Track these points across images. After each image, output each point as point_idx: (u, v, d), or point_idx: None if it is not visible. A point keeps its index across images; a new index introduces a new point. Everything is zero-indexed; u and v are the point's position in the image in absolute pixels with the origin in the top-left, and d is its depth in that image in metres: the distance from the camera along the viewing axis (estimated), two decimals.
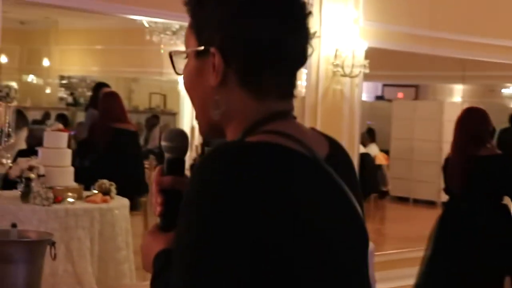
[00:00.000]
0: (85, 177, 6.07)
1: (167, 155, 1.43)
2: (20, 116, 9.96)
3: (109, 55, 15.09)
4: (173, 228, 1.32)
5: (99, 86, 8.26)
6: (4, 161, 7.36)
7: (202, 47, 1.33)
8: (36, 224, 5.14)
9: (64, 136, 5.83)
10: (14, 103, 8.84)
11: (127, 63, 14.64)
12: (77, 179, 5.86)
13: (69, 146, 6.09)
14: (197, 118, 1.40)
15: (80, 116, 15.34)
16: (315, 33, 1.37)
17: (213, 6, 1.32)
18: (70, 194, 5.47)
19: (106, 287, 5.81)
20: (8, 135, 8.45)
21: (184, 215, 1.22)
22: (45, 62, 16.48)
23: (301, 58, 1.36)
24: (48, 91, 16.90)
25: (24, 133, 8.27)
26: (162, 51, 10.72)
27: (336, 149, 1.40)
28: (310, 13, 1.35)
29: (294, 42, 1.33)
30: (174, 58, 1.41)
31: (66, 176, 5.70)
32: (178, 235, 1.23)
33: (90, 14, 12.83)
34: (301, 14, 1.34)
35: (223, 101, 1.32)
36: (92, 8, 6.24)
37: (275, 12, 1.30)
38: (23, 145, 7.99)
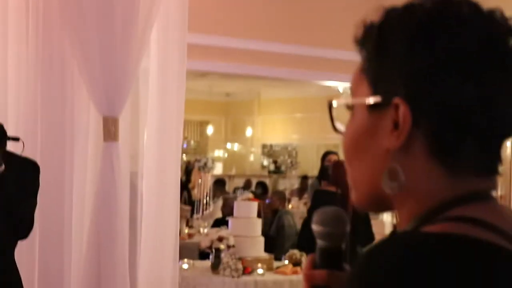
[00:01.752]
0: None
1: (320, 243, 1.18)
2: (219, 185, 10.22)
3: (309, 123, 15.22)
4: None
5: (325, 155, 8.07)
6: (201, 230, 7.51)
7: (381, 98, 1.02)
8: None
9: (254, 205, 5.79)
10: (212, 173, 9.09)
11: (326, 130, 14.66)
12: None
13: (259, 215, 6.05)
14: (355, 186, 1.09)
15: (281, 184, 15.54)
16: None
17: (403, 51, 1.01)
18: (259, 265, 5.38)
19: None
20: (207, 205, 8.68)
21: None
22: (249, 132, 16.99)
23: None
24: (251, 159, 17.35)
25: (220, 202, 8.42)
26: None
27: None
28: None
29: (508, 104, 1.01)
30: (335, 111, 1.10)
31: (256, 246, 5.63)
32: None
33: (290, 84, 13.12)
34: None
35: (403, 170, 1.01)
36: (291, 77, 6.28)
37: (488, 64, 1.00)
38: (220, 214, 8.11)
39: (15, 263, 3.10)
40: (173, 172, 4.07)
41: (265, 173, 16.50)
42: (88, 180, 3.82)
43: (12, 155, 3.05)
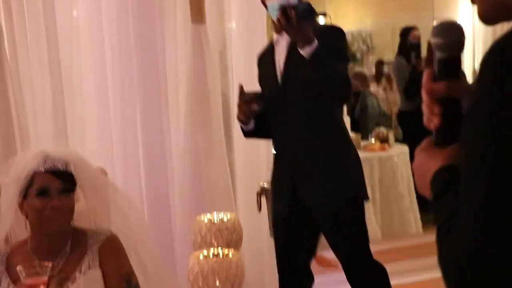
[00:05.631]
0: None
1: (438, 55, 1.21)
2: None
3: (382, 5, 14.83)
4: (452, 142, 1.17)
5: (406, 31, 7.70)
6: None
7: None
8: None
9: None
10: None
11: (402, 9, 14.26)
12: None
13: None
14: None
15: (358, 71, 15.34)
16: None
17: None
18: None
19: (391, 236, 5.70)
20: None
21: (473, 121, 1.00)
22: (319, 20, 16.72)
23: None
24: None
25: None
26: None
27: None
28: None
29: None
30: None
31: None
32: (469, 145, 1.02)
33: None
34: None
35: None
36: None
37: None
38: None
39: (340, 123, 3.21)
40: None
41: None
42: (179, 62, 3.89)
43: (316, 26, 3.13)
